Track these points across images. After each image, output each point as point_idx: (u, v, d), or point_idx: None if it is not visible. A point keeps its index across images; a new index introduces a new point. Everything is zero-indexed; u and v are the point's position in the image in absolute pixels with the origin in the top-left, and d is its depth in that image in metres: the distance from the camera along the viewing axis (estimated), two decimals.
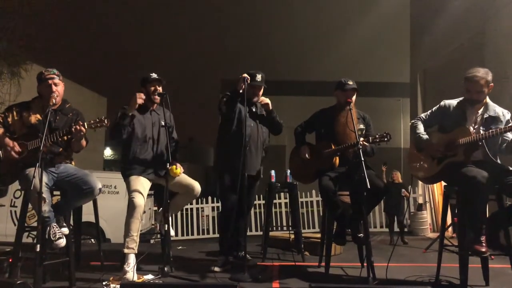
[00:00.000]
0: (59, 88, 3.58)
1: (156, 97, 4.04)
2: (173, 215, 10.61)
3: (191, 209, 11.68)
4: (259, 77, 4.23)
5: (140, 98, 3.88)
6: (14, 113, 3.56)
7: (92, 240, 6.98)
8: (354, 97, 4.04)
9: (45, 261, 3.32)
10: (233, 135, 4.16)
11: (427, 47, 10.25)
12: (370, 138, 3.83)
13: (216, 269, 4.03)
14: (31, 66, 12.15)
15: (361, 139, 3.77)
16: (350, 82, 4.04)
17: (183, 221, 11.59)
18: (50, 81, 3.55)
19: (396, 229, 8.38)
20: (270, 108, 4.30)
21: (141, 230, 3.85)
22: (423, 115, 3.80)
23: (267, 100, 4.28)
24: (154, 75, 4.04)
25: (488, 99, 3.50)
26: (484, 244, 3.19)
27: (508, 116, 3.47)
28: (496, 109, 3.48)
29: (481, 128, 3.40)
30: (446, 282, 3.63)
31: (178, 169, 3.97)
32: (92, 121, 3.45)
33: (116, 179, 7.54)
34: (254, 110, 4.37)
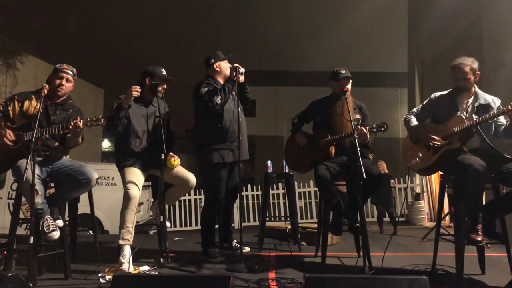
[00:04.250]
0: (68, 84, 3.61)
1: (161, 92, 4.02)
2: (171, 206, 10.67)
3: (189, 200, 11.70)
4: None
5: (136, 92, 3.83)
6: (16, 102, 3.52)
7: (90, 231, 6.99)
8: (349, 86, 4.01)
9: (40, 253, 3.31)
10: (226, 125, 4.11)
11: (425, 36, 10.19)
12: (367, 128, 3.80)
13: (222, 259, 4.10)
14: (27, 57, 12.07)
15: (361, 128, 3.76)
16: (343, 71, 4.01)
17: (181, 212, 11.62)
18: (63, 74, 3.58)
19: (386, 219, 8.27)
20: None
21: (138, 222, 3.84)
22: (415, 109, 3.82)
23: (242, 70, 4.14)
24: (164, 72, 4.02)
25: (477, 88, 3.52)
26: (480, 233, 3.19)
27: (498, 103, 3.48)
28: (486, 97, 3.48)
29: (473, 116, 3.40)
30: (443, 271, 3.64)
31: (176, 161, 3.96)
32: (88, 119, 3.41)
33: (113, 171, 7.53)
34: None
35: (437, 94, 3.67)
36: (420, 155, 3.60)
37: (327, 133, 4.00)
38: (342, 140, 3.94)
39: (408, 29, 11.71)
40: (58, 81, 3.55)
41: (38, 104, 3.42)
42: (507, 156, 3.31)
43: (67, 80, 3.59)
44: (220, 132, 4.11)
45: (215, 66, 4.27)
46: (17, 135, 3.42)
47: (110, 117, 3.82)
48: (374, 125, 3.80)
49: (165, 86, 4.07)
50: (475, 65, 3.42)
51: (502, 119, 3.38)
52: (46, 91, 3.39)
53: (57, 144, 3.59)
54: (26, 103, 3.51)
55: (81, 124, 3.35)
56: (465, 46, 7.80)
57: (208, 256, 4.14)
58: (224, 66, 4.28)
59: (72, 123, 3.34)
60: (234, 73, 4.01)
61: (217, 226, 4.45)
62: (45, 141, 3.47)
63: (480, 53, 6.67)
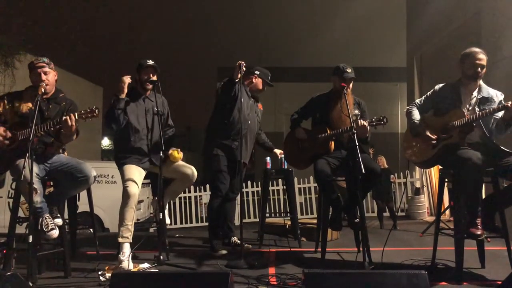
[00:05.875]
0: (49, 76, 3.50)
1: (148, 84, 3.97)
2: (171, 203, 10.65)
3: (189, 197, 11.69)
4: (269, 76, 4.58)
5: (126, 78, 3.78)
6: (5, 101, 3.48)
7: (91, 230, 6.99)
8: (350, 85, 4.00)
9: (39, 252, 3.31)
10: (233, 123, 4.25)
11: (423, 31, 10.16)
12: (367, 121, 3.79)
13: (224, 252, 4.20)
14: (25, 56, 12.02)
15: (361, 121, 3.75)
16: (349, 70, 3.98)
17: (181, 209, 11.62)
18: (39, 70, 3.46)
19: (386, 214, 8.27)
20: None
21: (138, 219, 3.84)
22: (418, 100, 3.78)
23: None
24: (149, 62, 3.96)
25: (481, 81, 3.49)
26: (479, 226, 3.19)
27: (501, 97, 3.46)
28: (489, 91, 3.47)
29: (476, 109, 3.39)
30: (442, 265, 3.65)
31: (180, 154, 3.97)
32: (82, 111, 3.36)
33: (113, 169, 7.49)
34: (254, 103, 4.53)
35: (441, 85, 3.63)
36: (420, 148, 3.59)
37: (327, 128, 3.99)
38: (341, 135, 3.94)
39: (407, 24, 11.68)
40: (38, 78, 3.44)
41: (30, 103, 3.39)
42: (506, 150, 3.30)
43: (45, 73, 3.47)
44: (226, 128, 4.27)
45: (254, 77, 4.46)
46: (11, 134, 3.39)
47: (110, 110, 3.79)
48: (373, 119, 3.80)
49: (153, 76, 3.96)
50: None
51: (500, 114, 3.36)
52: (43, 89, 3.36)
53: (53, 140, 3.55)
54: (16, 101, 3.47)
55: (74, 117, 3.29)
56: (464, 40, 7.77)
57: (212, 248, 4.21)
58: (258, 83, 4.50)
59: (63, 119, 3.29)
60: (238, 71, 3.92)
61: None
62: (41, 138, 3.43)
63: (479, 47, 6.64)
